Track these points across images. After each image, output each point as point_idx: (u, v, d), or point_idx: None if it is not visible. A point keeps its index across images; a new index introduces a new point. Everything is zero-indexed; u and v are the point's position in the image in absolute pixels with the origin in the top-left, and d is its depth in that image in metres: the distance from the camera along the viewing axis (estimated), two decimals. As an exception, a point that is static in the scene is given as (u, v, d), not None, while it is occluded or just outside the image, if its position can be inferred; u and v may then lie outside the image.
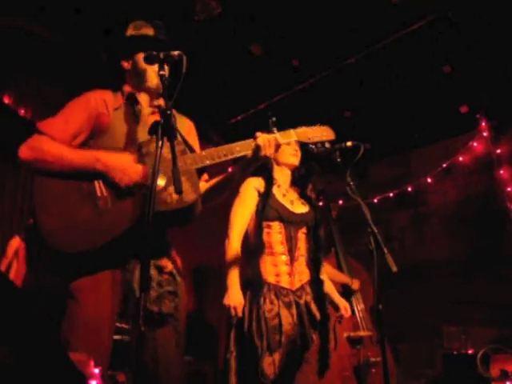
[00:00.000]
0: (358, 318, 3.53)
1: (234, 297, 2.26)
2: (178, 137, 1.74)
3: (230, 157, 1.71)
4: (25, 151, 1.65)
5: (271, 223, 2.42)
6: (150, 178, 1.54)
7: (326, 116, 2.06)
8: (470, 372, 3.45)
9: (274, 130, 1.82)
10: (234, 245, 2.39)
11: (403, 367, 4.05)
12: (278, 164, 2.61)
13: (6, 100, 3.26)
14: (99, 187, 1.62)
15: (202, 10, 3.20)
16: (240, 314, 2.25)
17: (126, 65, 1.86)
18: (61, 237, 1.55)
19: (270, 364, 2.17)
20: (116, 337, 1.65)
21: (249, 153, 1.73)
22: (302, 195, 2.61)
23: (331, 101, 4.31)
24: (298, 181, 2.64)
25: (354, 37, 3.55)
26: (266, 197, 2.43)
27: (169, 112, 1.48)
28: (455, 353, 3.79)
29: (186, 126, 1.93)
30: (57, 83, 3.57)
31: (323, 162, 2.70)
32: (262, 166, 2.63)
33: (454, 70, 3.88)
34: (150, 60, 1.62)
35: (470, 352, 3.62)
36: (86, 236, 1.56)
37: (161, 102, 1.89)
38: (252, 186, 2.51)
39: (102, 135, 1.73)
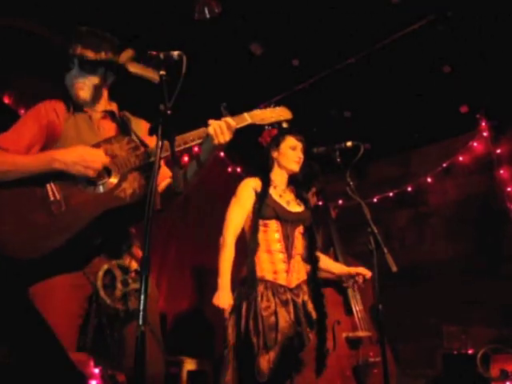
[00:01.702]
0: (357, 319, 3.52)
1: (223, 298, 2.28)
2: (133, 136, 1.77)
3: (183, 147, 1.70)
4: None
5: (268, 221, 2.43)
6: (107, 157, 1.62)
7: (325, 116, 2.06)
8: (470, 372, 3.45)
9: (227, 115, 1.77)
10: (227, 243, 2.40)
11: (403, 367, 4.05)
12: (280, 166, 2.62)
13: (6, 100, 3.26)
14: (52, 191, 1.62)
15: (202, 9, 3.20)
16: (227, 315, 2.28)
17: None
18: (16, 244, 1.54)
19: (265, 361, 2.18)
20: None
21: (202, 141, 1.72)
22: (298, 196, 2.63)
23: (331, 101, 4.31)
24: (296, 182, 2.66)
25: (354, 37, 3.55)
26: (262, 196, 2.45)
27: (169, 112, 1.48)
28: (455, 353, 3.79)
29: (142, 127, 1.91)
30: (57, 83, 3.57)
31: (323, 162, 2.71)
32: (260, 167, 2.64)
33: (453, 70, 3.88)
34: (149, 61, 1.62)
35: (470, 352, 3.61)
36: (41, 241, 1.54)
37: (113, 106, 1.93)
38: (249, 186, 2.52)
39: (55, 143, 1.74)
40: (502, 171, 4.37)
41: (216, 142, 1.68)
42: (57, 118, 1.79)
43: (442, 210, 4.78)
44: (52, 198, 1.61)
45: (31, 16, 3.27)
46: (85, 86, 1.83)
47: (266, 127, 1.93)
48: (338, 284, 3.51)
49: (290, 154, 2.57)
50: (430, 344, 4.32)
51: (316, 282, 2.47)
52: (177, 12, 3.25)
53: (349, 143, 2.37)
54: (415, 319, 4.43)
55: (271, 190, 2.52)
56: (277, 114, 1.93)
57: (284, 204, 2.51)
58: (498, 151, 4.44)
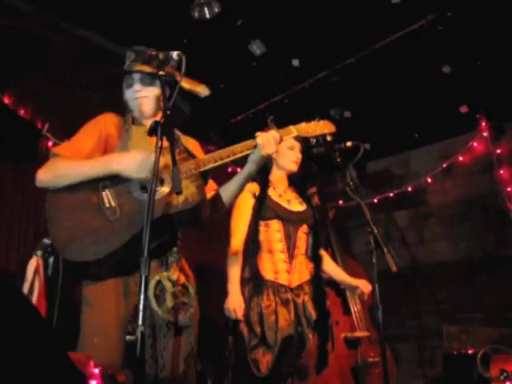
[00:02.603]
0: (355, 319, 3.52)
1: (235, 301, 2.30)
2: (182, 147, 1.83)
3: (231, 158, 1.74)
4: (42, 172, 1.73)
5: (269, 222, 2.44)
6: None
7: (326, 116, 2.05)
8: (470, 372, 3.45)
9: (273, 127, 1.83)
10: (235, 251, 2.42)
11: (403, 367, 4.05)
12: (278, 166, 2.62)
13: (6, 100, 3.26)
14: (107, 198, 1.68)
15: (202, 9, 3.20)
16: (240, 317, 2.28)
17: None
18: (74, 247, 1.63)
19: (264, 359, 2.19)
20: (128, 337, 1.68)
21: (250, 152, 1.77)
22: (301, 195, 2.62)
23: (331, 101, 4.31)
24: (297, 182, 2.66)
25: (354, 37, 3.55)
26: (261, 198, 2.46)
27: (168, 112, 1.49)
28: (455, 353, 3.79)
29: (190, 144, 1.97)
30: (57, 83, 3.57)
31: (323, 162, 2.71)
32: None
33: (453, 70, 3.88)
34: (148, 61, 1.63)
35: (470, 352, 3.61)
36: (97, 245, 1.62)
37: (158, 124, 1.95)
38: (247, 190, 2.53)
39: None
40: (502, 171, 4.37)
41: (263, 152, 1.74)
42: (115, 130, 1.84)
43: (442, 210, 4.78)
44: (107, 205, 1.66)
45: (32, 16, 3.27)
46: (147, 99, 1.87)
47: (311, 140, 1.98)
48: (337, 284, 3.51)
49: (288, 154, 2.57)
50: (430, 344, 4.32)
51: (319, 280, 2.48)
52: (177, 12, 3.25)
53: (349, 143, 2.37)
54: (415, 319, 4.43)
55: (270, 191, 2.52)
56: (321, 127, 1.97)
57: (285, 204, 2.50)
58: (498, 151, 4.44)
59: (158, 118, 1.89)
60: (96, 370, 1.30)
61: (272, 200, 2.48)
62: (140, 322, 1.29)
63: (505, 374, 3.24)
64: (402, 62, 3.82)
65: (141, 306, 1.30)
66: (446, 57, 3.80)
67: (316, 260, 2.51)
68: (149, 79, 1.84)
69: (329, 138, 2.03)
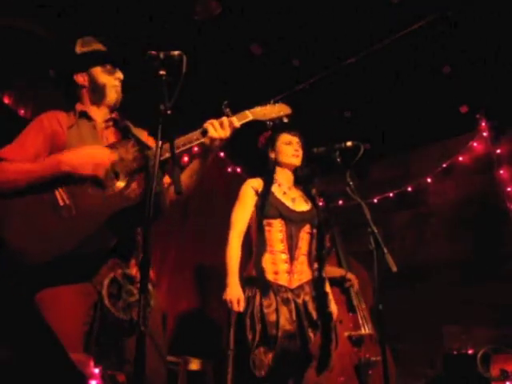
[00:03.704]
0: (360, 317, 3.52)
1: (233, 291, 2.29)
2: (134, 138, 1.78)
3: (188, 145, 1.72)
4: None
5: (272, 221, 2.43)
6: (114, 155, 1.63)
7: (326, 116, 2.06)
8: (470, 372, 3.45)
9: (228, 112, 1.81)
10: (233, 246, 2.41)
11: (403, 367, 4.05)
12: (280, 165, 2.61)
13: (6, 100, 3.26)
14: (60, 196, 1.62)
15: (202, 9, 3.20)
16: (240, 308, 2.26)
17: (81, 80, 1.89)
18: (28, 249, 1.55)
19: (264, 357, 2.18)
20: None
21: (205, 139, 1.74)
22: (306, 193, 2.62)
23: (331, 101, 4.31)
24: (302, 180, 2.65)
25: (354, 37, 3.55)
26: (264, 195, 2.45)
27: (169, 112, 1.49)
28: (455, 353, 3.79)
29: (143, 136, 1.93)
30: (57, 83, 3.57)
31: (323, 162, 2.70)
32: (263, 168, 2.64)
33: (453, 70, 3.88)
34: (150, 60, 1.62)
35: (470, 352, 3.61)
36: (52, 244, 1.56)
37: (115, 114, 1.94)
38: (250, 187, 2.52)
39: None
40: (501, 171, 4.37)
41: (212, 135, 1.71)
42: (60, 127, 1.80)
43: (441, 209, 4.78)
44: (62, 204, 1.61)
45: (31, 16, 3.27)
46: (120, 88, 1.88)
47: (268, 123, 1.96)
48: (341, 283, 3.52)
49: (286, 150, 2.57)
50: (430, 344, 4.32)
51: (322, 281, 2.46)
52: (177, 12, 3.25)
53: (349, 143, 2.37)
54: (415, 319, 4.42)
55: (274, 188, 2.51)
56: (277, 110, 1.97)
57: (288, 202, 2.49)
58: (498, 151, 4.44)
59: (105, 115, 1.90)
60: (96, 370, 1.29)
61: (276, 197, 2.47)
62: (141, 322, 1.28)
63: (505, 374, 3.24)
64: (402, 62, 3.82)
65: (141, 309, 1.29)
66: (446, 57, 3.80)
67: (320, 260, 2.50)
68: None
69: (285, 120, 2.02)
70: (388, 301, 2.22)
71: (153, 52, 1.61)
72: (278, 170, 2.61)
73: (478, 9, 3.28)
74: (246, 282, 2.38)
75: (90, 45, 1.91)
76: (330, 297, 2.63)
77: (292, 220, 2.45)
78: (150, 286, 1.72)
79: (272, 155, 2.62)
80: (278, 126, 2.55)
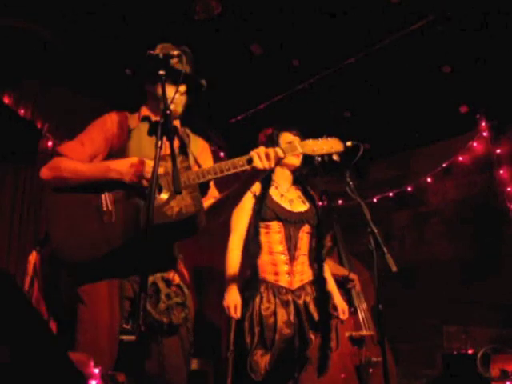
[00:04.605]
0: (361, 318, 3.52)
1: (232, 298, 2.29)
2: (190, 155, 1.82)
3: (232, 171, 1.70)
4: (45, 172, 1.74)
5: (269, 223, 2.42)
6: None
7: (326, 116, 2.05)
8: (470, 372, 3.45)
9: (280, 143, 1.81)
10: (233, 250, 2.42)
11: (403, 367, 4.05)
12: (280, 165, 2.60)
13: (6, 100, 3.26)
14: (105, 201, 1.69)
15: (202, 9, 3.20)
16: (238, 314, 2.27)
17: (149, 87, 1.89)
18: (68, 248, 1.65)
19: (261, 360, 2.18)
20: (124, 337, 1.69)
21: (248, 167, 1.70)
22: (305, 193, 2.61)
23: (331, 101, 4.31)
24: (301, 179, 2.64)
25: (354, 37, 3.55)
26: (262, 198, 2.44)
27: (168, 112, 1.49)
28: (455, 353, 3.79)
29: (199, 146, 1.97)
30: (57, 83, 3.57)
31: (320, 162, 2.70)
32: None
33: (453, 70, 3.88)
34: (149, 60, 1.63)
35: (470, 352, 3.61)
36: (90, 247, 1.64)
37: (176, 123, 1.93)
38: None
39: (117, 155, 1.78)
40: (501, 171, 4.37)
41: (257, 166, 1.66)
42: (121, 131, 1.83)
43: (442, 209, 4.78)
44: (105, 209, 1.67)
45: (31, 16, 3.27)
46: (181, 102, 1.88)
47: (316, 158, 1.90)
48: (343, 284, 3.52)
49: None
50: (430, 344, 4.32)
51: (322, 281, 2.46)
52: (177, 12, 3.25)
53: (349, 143, 2.36)
54: (415, 319, 4.43)
55: (272, 191, 2.50)
56: (329, 145, 1.86)
57: (286, 204, 2.48)
58: (498, 151, 4.44)
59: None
60: (96, 370, 1.30)
61: (272, 200, 2.47)
62: (141, 321, 1.29)
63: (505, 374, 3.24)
64: (402, 62, 3.83)
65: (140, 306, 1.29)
66: (446, 57, 3.80)
67: (319, 260, 2.49)
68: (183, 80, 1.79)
69: (335, 158, 1.92)
70: (388, 301, 2.22)
71: (153, 52, 1.61)
72: (278, 169, 2.60)
73: (478, 9, 3.28)
74: (245, 283, 2.38)
75: (171, 57, 1.87)
76: (337, 293, 2.64)
77: (290, 221, 2.44)
78: (186, 290, 1.81)
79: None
80: (279, 125, 2.55)
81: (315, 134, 2.59)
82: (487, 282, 4.21)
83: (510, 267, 4.14)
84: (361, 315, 3.53)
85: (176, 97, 1.83)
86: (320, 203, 4.06)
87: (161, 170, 1.64)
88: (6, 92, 3.26)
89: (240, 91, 4.09)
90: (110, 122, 1.84)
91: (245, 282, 2.39)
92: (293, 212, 2.47)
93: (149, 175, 1.62)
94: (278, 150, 1.70)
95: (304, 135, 2.67)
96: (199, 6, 3.19)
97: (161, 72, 1.59)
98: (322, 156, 1.90)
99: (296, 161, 2.56)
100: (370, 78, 4.00)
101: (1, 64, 3.11)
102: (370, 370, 3.27)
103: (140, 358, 1.55)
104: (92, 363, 1.32)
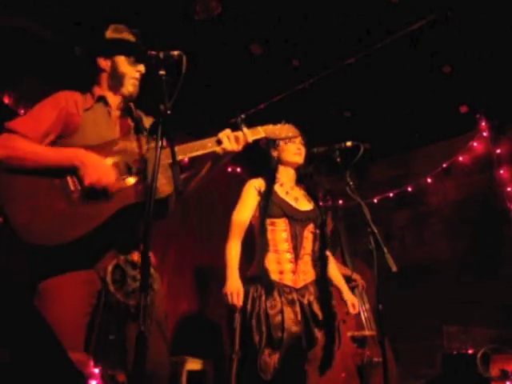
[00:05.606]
0: (363, 318, 3.52)
1: (233, 284, 2.28)
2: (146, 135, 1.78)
3: (201, 151, 1.73)
4: None
5: (276, 220, 2.42)
6: (115, 186, 1.59)
7: (326, 116, 2.06)
8: (470, 372, 3.45)
9: (243, 127, 1.82)
10: (233, 243, 2.41)
11: (403, 367, 4.04)
12: (283, 163, 2.61)
13: (6, 100, 3.26)
14: (72, 181, 1.61)
15: (202, 9, 3.20)
16: (239, 302, 2.26)
17: (103, 64, 1.87)
18: (36, 230, 1.53)
19: (269, 360, 2.17)
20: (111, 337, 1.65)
21: (217, 148, 1.75)
22: (309, 193, 2.61)
23: (331, 101, 4.31)
24: (304, 178, 2.64)
25: (354, 37, 3.55)
26: (267, 195, 2.44)
27: (169, 112, 1.49)
28: (455, 353, 3.79)
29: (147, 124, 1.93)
30: (57, 83, 3.57)
31: (323, 162, 2.70)
32: (264, 168, 2.63)
33: (453, 70, 3.88)
34: (148, 59, 1.63)
35: (470, 352, 3.61)
36: (64, 229, 1.54)
37: (131, 105, 1.93)
38: (252, 187, 2.51)
39: (71, 135, 1.74)
40: (501, 171, 4.37)
41: (225, 147, 1.73)
42: (76, 109, 1.78)
43: (441, 209, 4.78)
44: (72, 188, 1.60)
45: (31, 16, 3.27)
46: (137, 81, 1.87)
47: (276, 141, 1.99)
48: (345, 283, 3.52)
49: (289, 147, 2.56)
50: (430, 344, 4.32)
51: (325, 281, 2.46)
52: (177, 12, 3.25)
53: (349, 143, 2.36)
54: (415, 319, 4.42)
55: (277, 188, 2.50)
56: (286, 130, 1.97)
57: (292, 201, 2.48)
58: (498, 151, 4.44)
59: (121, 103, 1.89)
60: (96, 370, 1.29)
61: (278, 197, 2.46)
62: (141, 321, 1.28)
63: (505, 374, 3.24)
64: (402, 62, 3.83)
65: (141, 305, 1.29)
66: (446, 57, 3.80)
67: (323, 260, 2.49)
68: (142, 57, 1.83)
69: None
70: (388, 301, 2.22)
71: (153, 52, 1.61)
72: (281, 168, 2.61)
73: (478, 8, 3.28)
74: (251, 281, 2.37)
75: (121, 33, 1.89)
76: (346, 287, 2.66)
77: (296, 219, 2.44)
78: (152, 270, 1.71)
79: (274, 153, 2.61)
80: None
81: (315, 134, 2.60)
82: (487, 282, 4.21)
83: (510, 267, 4.13)
84: (363, 315, 3.53)
85: (137, 77, 1.85)
86: (322, 203, 4.08)
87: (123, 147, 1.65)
88: (6, 92, 3.26)
89: (240, 91, 4.09)
90: (64, 99, 1.77)
91: (250, 279, 2.38)
92: (299, 210, 2.47)
93: (106, 179, 1.58)
94: (246, 132, 1.79)
95: (304, 135, 2.67)
96: (199, 6, 3.19)
97: (161, 72, 1.59)
98: (282, 140, 2.08)
99: (299, 158, 2.57)
100: (370, 78, 4.00)
101: (1, 64, 3.11)
102: (379, 371, 3.26)
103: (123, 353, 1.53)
104: (92, 363, 1.32)
